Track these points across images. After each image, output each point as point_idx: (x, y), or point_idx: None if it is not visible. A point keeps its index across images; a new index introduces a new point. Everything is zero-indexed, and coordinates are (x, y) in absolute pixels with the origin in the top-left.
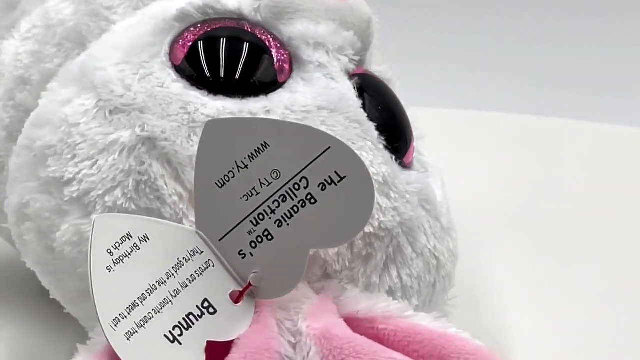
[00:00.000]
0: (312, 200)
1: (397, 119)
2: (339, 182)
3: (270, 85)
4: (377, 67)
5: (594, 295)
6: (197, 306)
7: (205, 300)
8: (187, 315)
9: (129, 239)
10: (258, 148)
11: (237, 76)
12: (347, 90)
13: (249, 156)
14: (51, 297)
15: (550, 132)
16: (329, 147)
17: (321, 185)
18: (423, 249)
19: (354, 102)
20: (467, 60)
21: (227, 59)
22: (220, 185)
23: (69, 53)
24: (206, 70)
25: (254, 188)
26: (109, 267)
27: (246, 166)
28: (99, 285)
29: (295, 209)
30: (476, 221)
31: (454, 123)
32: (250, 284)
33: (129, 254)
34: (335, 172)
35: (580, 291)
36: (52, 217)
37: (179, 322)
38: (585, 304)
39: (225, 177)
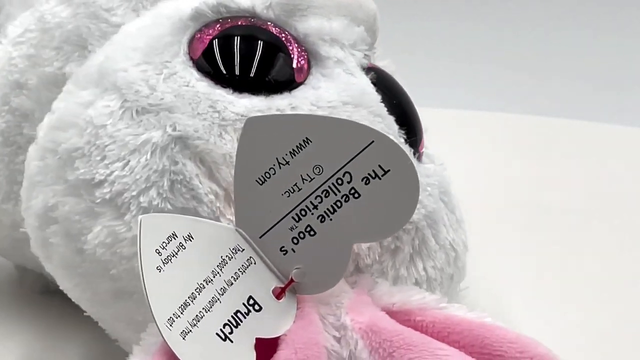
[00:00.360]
0: (356, 195)
1: (410, 112)
2: (382, 175)
3: (291, 82)
4: (381, 61)
5: (592, 289)
6: (243, 303)
7: (250, 297)
8: (235, 313)
9: (175, 239)
10: (300, 144)
11: (252, 74)
12: (367, 85)
13: (290, 152)
14: (73, 300)
15: (550, 132)
16: (373, 141)
17: (365, 179)
18: (444, 241)
19: (375, 96)
20: (466, 60)
21: (246, 58)
22: (260, 182)
23: (69, 56)
24: (222, 68)
25: (295, 184)
26: (159, 267)
27: (287, 162)
28: (152, 285)
29: (339, 203)
30: (473, 219)
31: (453, 123)
32: (292, 280)
33: (176, 254)
34: (379, 166)
35: (577, 285)
36: (82, 220)
37: (228, 320)
38: (582, 299)
39: (266, 173)
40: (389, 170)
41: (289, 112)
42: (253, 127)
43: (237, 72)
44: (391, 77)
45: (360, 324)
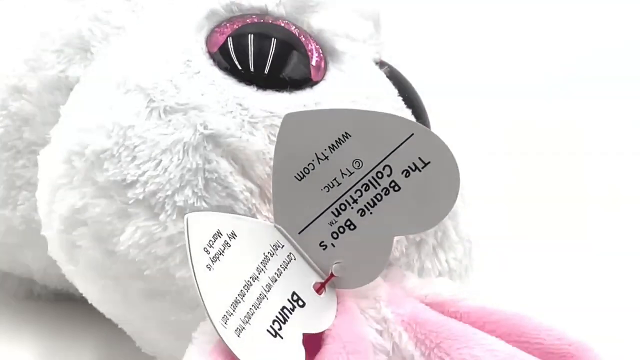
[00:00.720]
0: (396, 188)
1: (420, 106)
2: (423, 167)
3: (310, 79)
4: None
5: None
6: (288, 299)
7: (294, 293)
8: (282, 310)
9: (220, 237)
10: (339, 138)
11: (268, 71)
12: (384, 78)
13: (329, 147)
14: (93, 302)
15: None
16: (412, 134)
17: (405, 172)
18: (461, 233)
19: (393, 90)
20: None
21: (269, 56)
22: (299, 178)
23: (71, 58)
24: (238, 65)
25: (334, 179)
26: (209, 266)
27: (326, 157)
28: (204, 284)
29: (379, 197)
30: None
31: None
32: (332, 275)
33: (223, 252)
34: (419, 158)
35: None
36: (113, 221)
37: (277, 317)
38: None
39: (305, 169)
40: (429, 163)
41: (314, 107)
42: (291, 123)
43: (262, 69)
44: (398, 70)
45: (402, 316)
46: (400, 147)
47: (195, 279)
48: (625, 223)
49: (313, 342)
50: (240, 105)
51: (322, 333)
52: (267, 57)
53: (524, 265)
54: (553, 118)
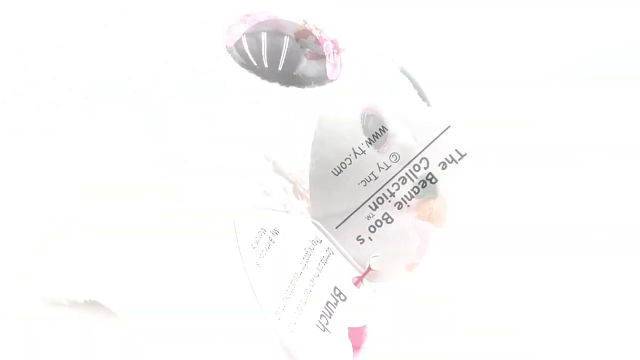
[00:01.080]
0: (433, 180)
1: (426, 97)
2: (459, 159)
3: (327, 76)
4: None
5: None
6: (331, 294)
7: (336, 287)
8: (326, 304)
9: (264, 234)
10: (376, 133)
11: (283, 68)
12: (399, 73)
13: (366, 142)
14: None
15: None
16: (449, 127)
17: (442, 164)
18: None
19: (409, 84)
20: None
21: (280, 53)
22: (336, 173)
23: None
24: (253, 61)
25: (372, 173)
26: (257, 263)
27: (364, 152)
28: (256, 281)
29: (416, 189)
30: None
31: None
32: (369, 268)
33: (268, 248)
34: (456, 150)
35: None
36: None
37: (323, 311)
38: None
39: (342, 164)
40: (465, 154)
41: (337, 101)
42: (328, 119)
43: (275, 66)
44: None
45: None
46: (437, 139)
47: (248, 276)
48: (625, 223)
49: (354, 336)
50: (267, 102)
51: (363, 327)
52: (280, 54)
53: (524, 265)
54: (553, 117)
